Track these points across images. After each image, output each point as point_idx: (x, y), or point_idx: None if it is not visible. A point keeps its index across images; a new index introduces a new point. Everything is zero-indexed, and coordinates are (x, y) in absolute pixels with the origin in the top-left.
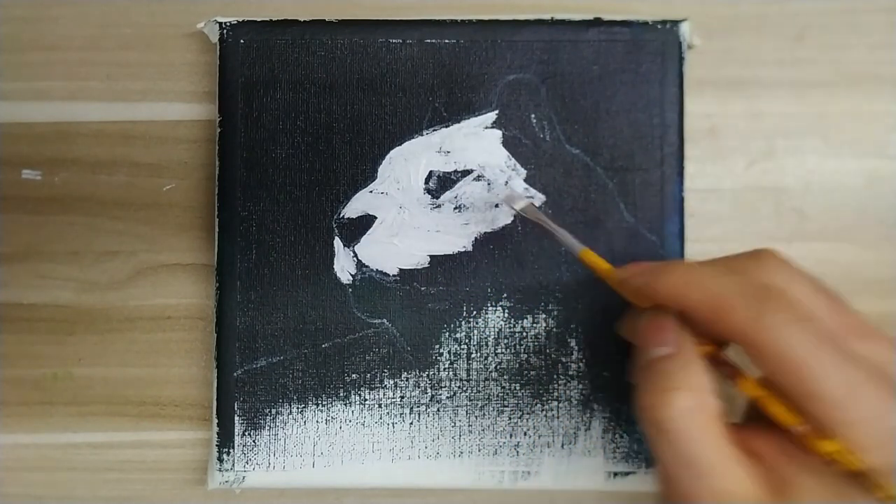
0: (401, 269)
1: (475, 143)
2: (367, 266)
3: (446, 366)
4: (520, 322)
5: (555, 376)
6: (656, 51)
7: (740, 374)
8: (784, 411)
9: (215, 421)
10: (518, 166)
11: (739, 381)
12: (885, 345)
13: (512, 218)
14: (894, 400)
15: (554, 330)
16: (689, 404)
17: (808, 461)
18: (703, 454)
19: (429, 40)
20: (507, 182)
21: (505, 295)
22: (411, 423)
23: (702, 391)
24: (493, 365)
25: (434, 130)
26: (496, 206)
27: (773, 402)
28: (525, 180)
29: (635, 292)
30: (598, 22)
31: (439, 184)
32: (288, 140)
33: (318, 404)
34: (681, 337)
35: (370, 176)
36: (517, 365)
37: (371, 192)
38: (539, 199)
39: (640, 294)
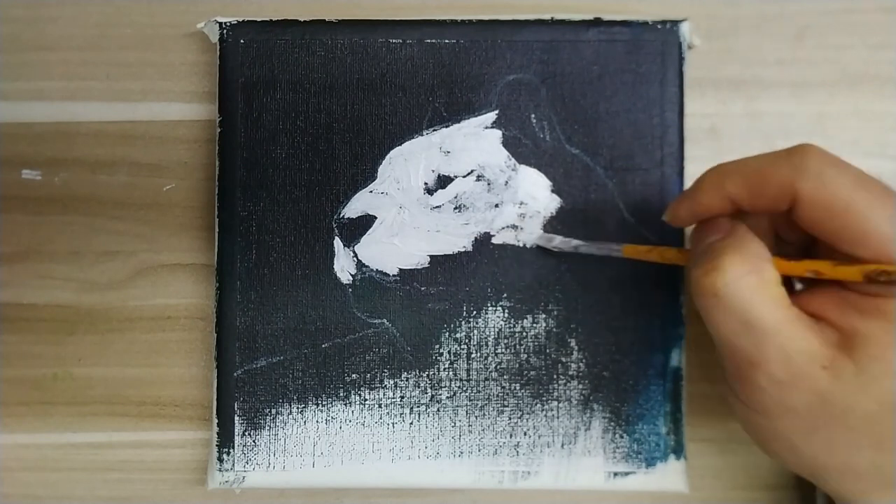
0: (401, 269)
1: (475, 143)
2: (367, 266)
3: (446, 366)
4: (520, 322)
5: (555, 376)
6: (656, 51)
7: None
8: (850, 266)
9: (215, 421)
10: (518, 166)
11: (803, 262)
12: None
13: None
14: None
15: (554, 330)
16: (744, 268)
17: (869, 307)
18: (763, 314)
19: (429, 40)
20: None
21: (505, 295)
22: (411, 423)
23: (757, 256)
24: (493, 365)
25: (434, 130)
26: (496, 206)
27: (834, 262)
28: None
29: (689, 216)
30: (598, 22)
31: (439, 184)
32: (288, 140)
33: (318, 404)
34: (734, 223)
35: (370, 176)
36: (517, 365)
37: (371, 192)
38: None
39: (691, 213)
